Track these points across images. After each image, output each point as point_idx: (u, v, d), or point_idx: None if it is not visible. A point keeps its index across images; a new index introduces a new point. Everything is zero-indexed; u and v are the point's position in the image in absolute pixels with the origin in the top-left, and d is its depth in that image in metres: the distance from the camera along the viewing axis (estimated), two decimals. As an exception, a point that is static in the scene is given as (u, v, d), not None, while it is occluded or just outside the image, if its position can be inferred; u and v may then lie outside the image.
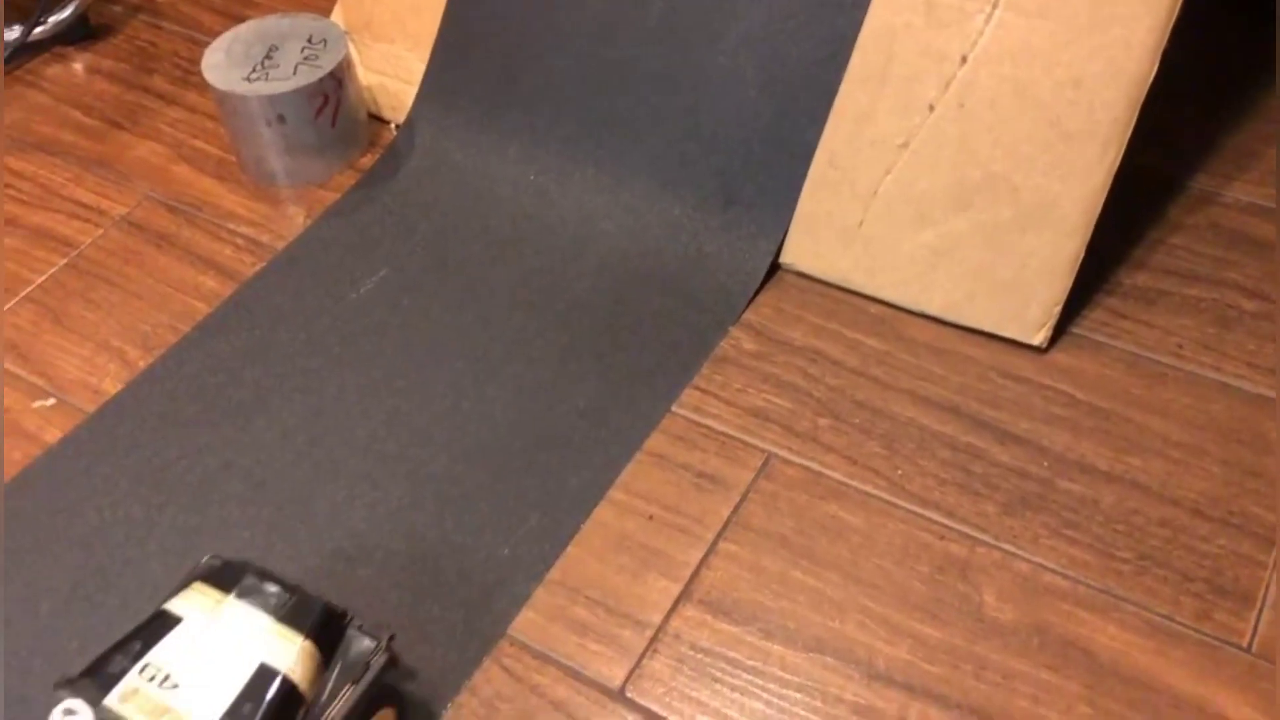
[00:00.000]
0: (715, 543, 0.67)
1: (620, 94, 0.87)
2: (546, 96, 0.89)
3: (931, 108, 0.78)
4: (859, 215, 0.81)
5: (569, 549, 0.67)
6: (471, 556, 0.67)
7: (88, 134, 0.97)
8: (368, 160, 0.93)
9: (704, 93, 0.84)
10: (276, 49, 0.89)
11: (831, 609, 0.64)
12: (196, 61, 0.90)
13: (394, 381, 0.77)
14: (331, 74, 0.88)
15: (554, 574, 0.66)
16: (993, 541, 0.66)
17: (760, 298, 0.81)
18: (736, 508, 0.69)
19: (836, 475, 0.70)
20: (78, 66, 1.04)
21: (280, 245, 0.86)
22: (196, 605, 0.55)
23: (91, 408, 0.77)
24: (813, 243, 0.82)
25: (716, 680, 0.61)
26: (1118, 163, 0.74)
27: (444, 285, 0.83)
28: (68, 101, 1.01)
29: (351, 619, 0.57)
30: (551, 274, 0.83)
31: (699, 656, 0.62)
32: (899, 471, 0.70)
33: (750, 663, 0.62)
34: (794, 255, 0.83)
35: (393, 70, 0.96)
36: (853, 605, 0.64)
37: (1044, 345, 0.76)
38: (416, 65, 0.94)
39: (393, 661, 0.57)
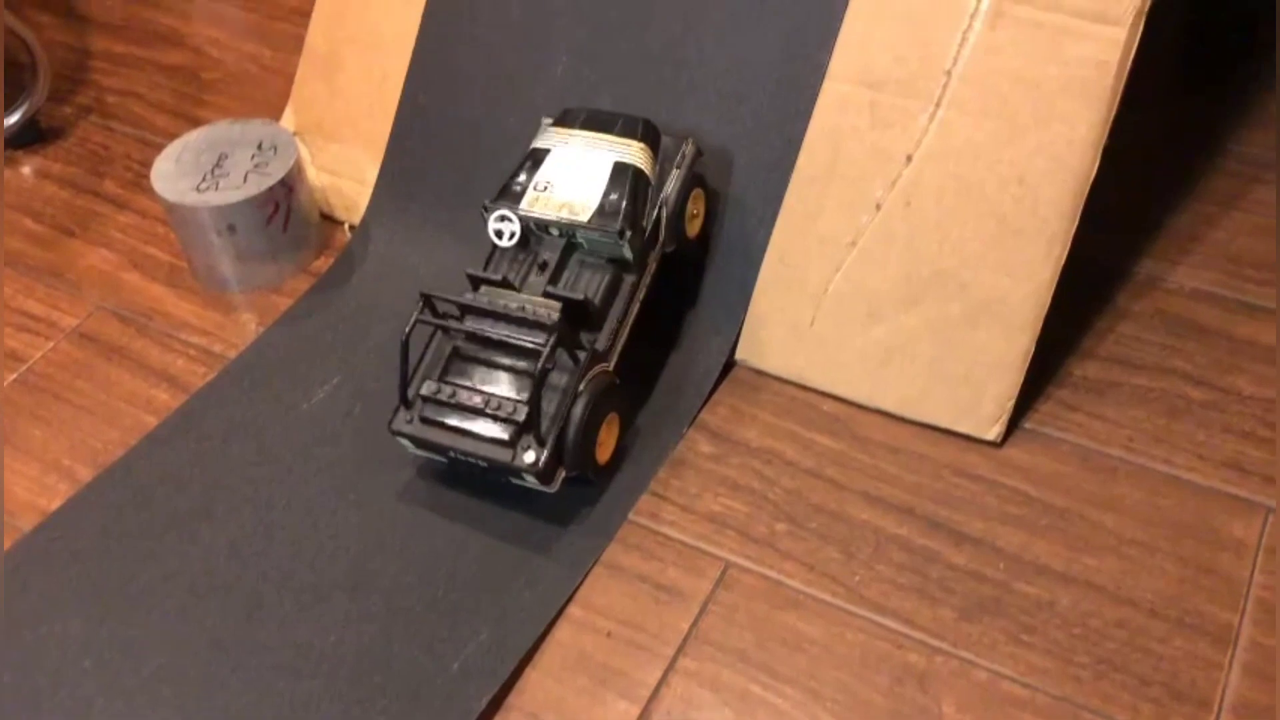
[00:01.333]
0: (674, 659, 0.66)
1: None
2: (498, 197, 0.89)
3: (879, 206, 0.79)
4: (811, 313, 0.81)
5: (528, 672, 0.66)
6: (419, 671, 0.66)
7: (38, 242, 0.97)
8: (321, 263, 0.93)
9: (654, 192, 0.85)
10: (226, 156, 0.89)
11: (792, 725, 0.63)
12: (148, 164, 0.90)
13: (345, 492, 0.76)
14: (282, 181, 0.88)
15: (511, 698, 0.65)
16: (950, 649, 0.66)
17: (716, 396, 0.81)
18: (695, 621, 0.68)
19: (794, 583, 0.70)
20: (27, 171, 1.04)
21: (232, 354, 0.86)
22: (554, 140, 0.76)
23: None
24: (767, 340, 0.82)
25: (677, 805, 0.61)
26: (1064, 258, 0.75)
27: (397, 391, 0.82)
28: (17, 208, 1.00)
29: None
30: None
31: (659, 781, 0.62)
32: (856, 577, 0.70)
33: (711, 786, 0.61)
34: (748, 353, 0.83)
35: (346, 171, 0.96)
36: (813, 721, 0.63)
37: (998, 440, 0.77)
38: (370, 166, 0.94)
39: (700, 153, 0.77)
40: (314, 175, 0.96)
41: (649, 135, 0.76)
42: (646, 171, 0.74)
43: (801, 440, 0.77)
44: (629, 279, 0.74)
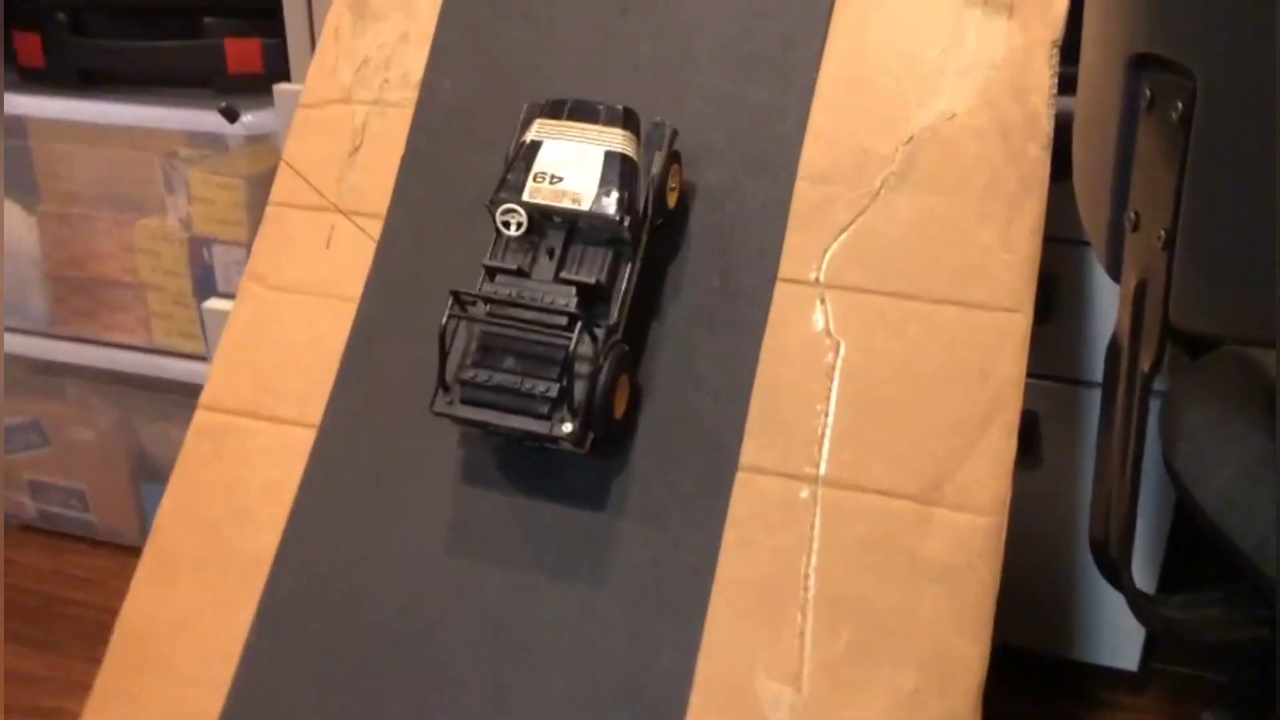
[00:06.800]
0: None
1: None
2: None
3: None
4: None
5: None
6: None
7: None
8: None
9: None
10: None
11: None
12: None
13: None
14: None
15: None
16: None
17: None
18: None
19: None
20: None
21: None
22: (544, 131, 0.83)
23: None
24: None
25: None
26: None
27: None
28: None
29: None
30: None
31: None
32: None
33: None
34: None
35: None
36: None
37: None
38: None
39: (676, 132, 0.84)
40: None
41: (631, 123, 0.84)
42: (634, 158, 0.83)
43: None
44: (627, 255, 0.82)
